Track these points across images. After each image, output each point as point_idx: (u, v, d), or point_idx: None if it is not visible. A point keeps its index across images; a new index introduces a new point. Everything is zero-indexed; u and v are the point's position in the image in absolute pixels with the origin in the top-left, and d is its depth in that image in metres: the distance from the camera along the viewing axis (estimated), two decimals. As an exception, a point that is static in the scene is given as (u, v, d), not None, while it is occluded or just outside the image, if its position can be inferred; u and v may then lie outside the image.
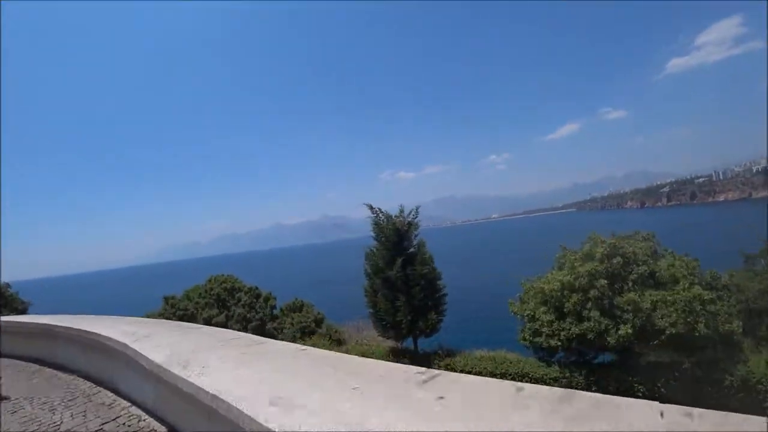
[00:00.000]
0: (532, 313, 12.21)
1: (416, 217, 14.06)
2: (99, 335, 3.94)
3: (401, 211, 14.47)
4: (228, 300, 18.99)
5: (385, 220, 14.09)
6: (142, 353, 2.91)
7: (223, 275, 20.43)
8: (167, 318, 17.67)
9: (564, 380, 11.21)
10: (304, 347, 2.74)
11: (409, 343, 14.51)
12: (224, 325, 17.78)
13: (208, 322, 17.67)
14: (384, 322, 13.68)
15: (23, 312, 19.65)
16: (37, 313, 20.81)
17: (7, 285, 19.41)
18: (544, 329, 11.17)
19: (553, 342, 10.80)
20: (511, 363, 12.31)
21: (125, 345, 3.29)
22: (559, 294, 11.02)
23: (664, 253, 12.13)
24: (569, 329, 10.55)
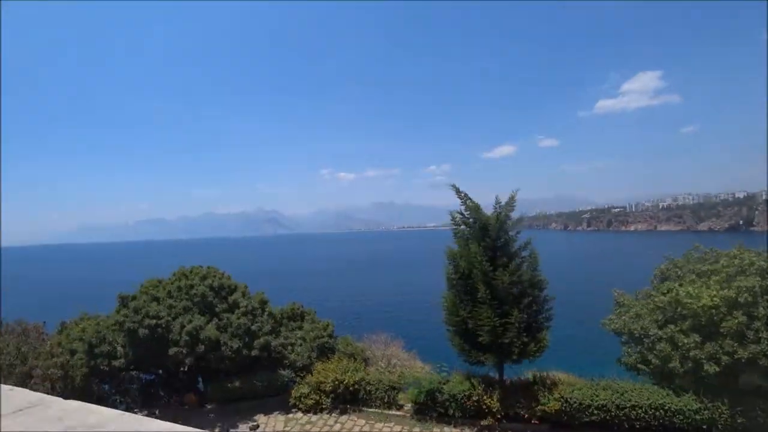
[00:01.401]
0: (656, 332, 11.11)
1: (513, 209, 12.12)
2: None
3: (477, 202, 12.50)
4: (216, 304, 14.97)
5: (475, 209, 11.97)
6: None
7: (202, 267, 16.18)
8: (133, 330, 13.14)
9: (706, 411, 10.22)
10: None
11: (481, 369, 12.43)
12: (217, 342, 13.84)
13: (194, 336, 13.57)
14: (469, 344, 11.44)
15: None
16: None
17: None
18: (691, 353, 10.06)
19: (711, 368, 9.70)
20: (633, 392, 11.02)
21: None
22: (711, 311, 10.01)
23: None
24: (733, 353, 9.55)
